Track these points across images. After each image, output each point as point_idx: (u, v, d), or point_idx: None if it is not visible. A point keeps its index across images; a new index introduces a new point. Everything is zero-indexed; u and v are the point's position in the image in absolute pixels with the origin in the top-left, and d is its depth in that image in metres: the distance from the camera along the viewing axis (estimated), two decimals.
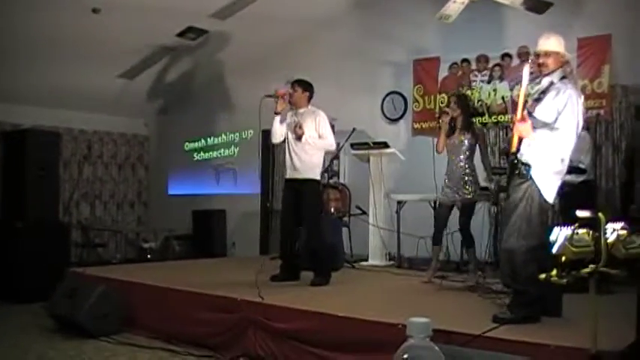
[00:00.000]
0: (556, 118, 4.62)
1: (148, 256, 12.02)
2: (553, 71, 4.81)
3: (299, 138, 6.77)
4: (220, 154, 13.06)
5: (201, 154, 13.45)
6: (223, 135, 12.95)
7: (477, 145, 6.85)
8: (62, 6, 8.93)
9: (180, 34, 10.83)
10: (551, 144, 4.61)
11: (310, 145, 6.80)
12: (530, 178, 4.65)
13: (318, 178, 6.95)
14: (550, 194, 4.64)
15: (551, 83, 4.77)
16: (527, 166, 4.67)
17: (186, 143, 13.66)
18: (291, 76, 10.31)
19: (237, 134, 12.61)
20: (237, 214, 12.35)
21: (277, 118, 6.96)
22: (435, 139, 7.22)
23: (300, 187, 6.81)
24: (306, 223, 6.91)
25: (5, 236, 8.82)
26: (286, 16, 10.66)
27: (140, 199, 14.25)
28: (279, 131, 6.98)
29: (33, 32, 9.46)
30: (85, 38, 10.00)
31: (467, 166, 6.76)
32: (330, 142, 6.95)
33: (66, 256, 9.29)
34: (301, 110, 6.97)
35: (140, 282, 6.76)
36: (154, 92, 12.94)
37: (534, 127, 4.63)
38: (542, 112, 4.70)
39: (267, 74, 10.95)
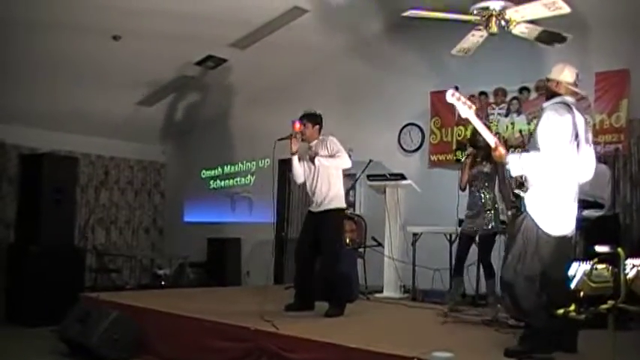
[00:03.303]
0: (535, 140, 4.66)
1: (162, 282, 12.00)
2: (550, 98, 4.86)
3: (312, 160, 6.75)
4: (237, 182, 13.07)
5: (218, 181, 13.47)
6: (240, 163, 12.97)
7: (497, 175, 6.83)
8: (83, 32, 9.01)
9: (200, 63, 10.92)
10: (533, 167, 4.60)
11: (329, 173, 6.78)
12: (525, 210, 4.64)
13: (342, 206, 6.92)
14: (549, 225, 4.54)
15: (542, 109, 4.86)
16: (519, 198, 4.66)
17: (203, 171, 13.70)
18: (309, 108, 10.40)
19: (254, 163, 12.63)
20: (252, 243, 12.33)
21: (295, 159, 6.93)
22: (459, 173, 7.19)
23: (322, 217, 6.81)
24: (324, 253, 6.85)
25: (19, 260, 8.84)
26: (304, 46, 10.72)
27: (155, 225, 14.26)
28: (301, 171, 6.97)
29: (53, 57, 9.56)
30: (104, 64, 10.11)
31: (488, 196, 6.73)
32: (345, 160, 6.86)
33: (80, 280, 9.31)
34: (314, 143, 6.99)
35: (153, 309, 6.74)
36: (172, 120, 13.01)
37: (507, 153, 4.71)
38: (533, 140, 4.76)
39: (284, 103, 10.99)
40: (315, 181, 6.87)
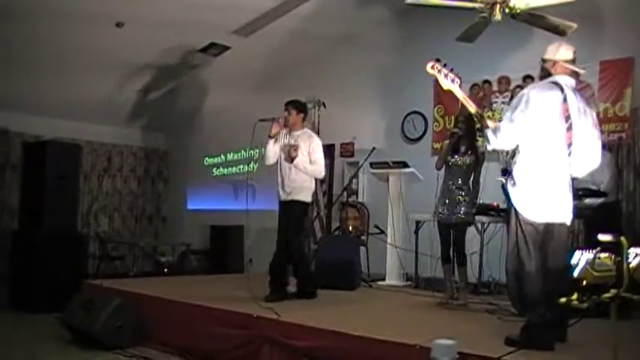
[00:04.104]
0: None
1: (165, 270, 12.03)
2: (541, 79, 4.73)
3: (292, 160, 6.76)
4: (239, 169, 13.06)
5: (221, 169, 13.47)
6: (243, 151, 12.96)
7: (475, 169, 6.78)
8: (86, 19, 9.01)
9: (203, 50, 10.90)
10: (497, 139, 4.52)
11: (301, 170, 6.81)
12: (508, 196, 4.59)
13: (307, 200, 6.95)
14: (528, 210, 4.46)
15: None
16: (502, 184, 4.62)
17: (206, 158, 13.71)
18: (312, 96, 10.38)
19: (257, 150, 12.59)
20: (255, 231, 12.33)
21: (271, 141, 6.95)
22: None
23: (288, 206, 6.85)
24: (289, 242, 6.85)
25: (23, 246, 8.86)
26: (308, 34, 10.70)
27: (158, 213, 14.30)
28: (273, 152, 6.97)
29: (56, 44, 9.57)
30: (107, 52, 10.10)
31: (464, 186, 6.72)
32: (319, 170, 6.95)
33: (83, 267, 9.33)
34: (297, 132, 6.98)
35: (156, 296, 6.76)
36: (175, 107, 13.00)
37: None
38: None
39: (287, 91, 10.93)
40: (287, 171, 6.88)
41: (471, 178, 6.80)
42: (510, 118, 4.49)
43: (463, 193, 6.71)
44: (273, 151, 6.97)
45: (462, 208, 6.66)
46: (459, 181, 6.73)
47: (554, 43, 4.77)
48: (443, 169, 6.91)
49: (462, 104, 4.93)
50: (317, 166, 6.90)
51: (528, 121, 4.43)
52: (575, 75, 4.70)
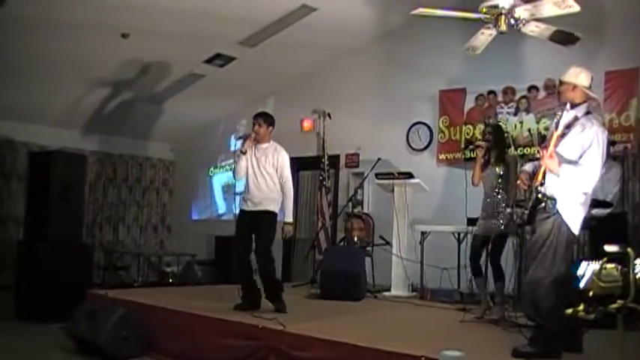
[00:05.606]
0: (580, 155, 4.62)
1: (170, 280, 12.02)
2: (576, 105, 4.81)
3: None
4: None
5: (225, 179, 13.47)
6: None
7: (508, 176, 6.77)
8: (92, 30, 9.02)
9: (208, 61, 10.92)
10: (575, 179, 4.59)
11: (271, 176, 6.82)
12: (557, 212, 4.62)
13: (276, 210, 6.89)
14: (576, 226, 4.64)
15: (576, 118, 4.76)
16: (553, 200, 4.63)
17: (211, 169, 13.71)
18: (318, 107, 10.36)
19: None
20: None
21: (243, 156, 6.92)
22: (470, 172, 7.09)
23: (259, 216, 6.77)
24: (261, 253, 6.76)
25: (28, 256, 8.86)
26: (313, 45, 10.71)
27: (163, 223, 14.28)
28: (244, 167, 6.94)
29: (62, 55, 9.56)
30: (113, 62, 10.13)
31: (501, 197, 6.69)
32: (289, 186, 6.92)
33: (88, 277, 9.32)
34: (264, 145, 6.93)
35: (161, 306, 6.75)
36: (180, 117, 13.00)
37: (559, 162, 4.63)
38: (566, 148, 4.70)
39: (292, 102, 11.00)
40: (257, 180, 6.84)
41: (507, 188, 6.79)
42: (592, 162, 4.61)
43: (501, 205, 6.68)
44: (244, 167, 6.95)
45: (500, 220, 6.62)
46: (496, 192, 6.71)
47: (575, 67, 4.92)
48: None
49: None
50: (289, 184, 6.91)
51: (594, 160, 4.63)
52: (592, 101, 5.01)
